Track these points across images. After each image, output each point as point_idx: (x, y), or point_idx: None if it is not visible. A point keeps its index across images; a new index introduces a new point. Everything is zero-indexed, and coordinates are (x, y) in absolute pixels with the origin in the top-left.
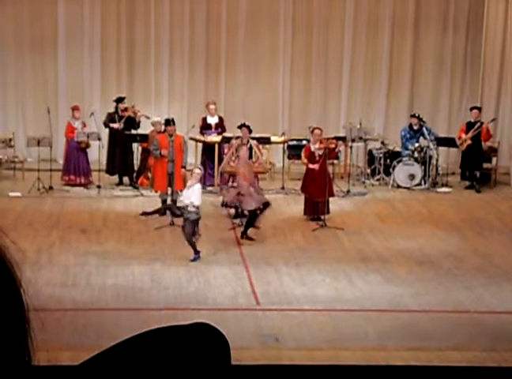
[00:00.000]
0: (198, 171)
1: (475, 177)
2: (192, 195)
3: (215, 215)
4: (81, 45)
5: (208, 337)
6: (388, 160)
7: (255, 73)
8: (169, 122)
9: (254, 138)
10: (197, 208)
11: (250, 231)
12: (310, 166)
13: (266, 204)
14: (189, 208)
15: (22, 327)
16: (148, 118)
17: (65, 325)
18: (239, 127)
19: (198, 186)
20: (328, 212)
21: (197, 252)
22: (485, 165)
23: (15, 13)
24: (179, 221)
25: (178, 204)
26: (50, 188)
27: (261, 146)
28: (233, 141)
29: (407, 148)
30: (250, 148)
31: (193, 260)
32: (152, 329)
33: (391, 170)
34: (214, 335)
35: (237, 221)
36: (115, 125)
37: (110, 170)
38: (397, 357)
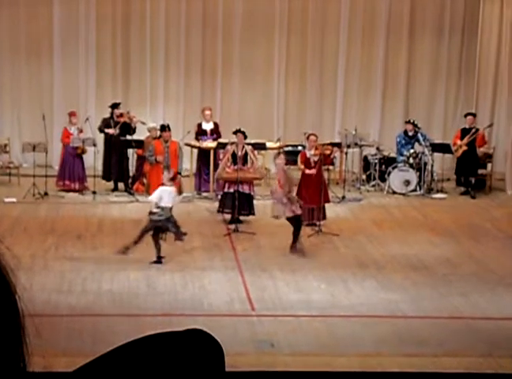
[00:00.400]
0: (165, 173)
1: (470, 183)
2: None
3: (210, 221)
4: (77, 50)
5: (201, 343)
6: (383, 166)
7: (251, 79)
8: (164, 128)
9: (249, 144)
10: (162, 209)
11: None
12: (307, 171)
13: (298, 220)
14: (152, 209)
15: (17, 334)
16: (144, 123)
17: (61, 331)
18: (234, 133)
19: (164, 189)
20: (324, 218)
21: (126, 251)
22: (480, 171)
23: (11, 18)
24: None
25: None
26: (46, 194)
27: (256, 152)
28: (228, 147)
29: (402, 154)
30: (245, 154)
31: (121, 252)
32: (145, 336)
33: (386, 176)
34: (208, 341)
35: (232, 227)
36: (110, 131)
37: (106, 176)
38: (393, 363)
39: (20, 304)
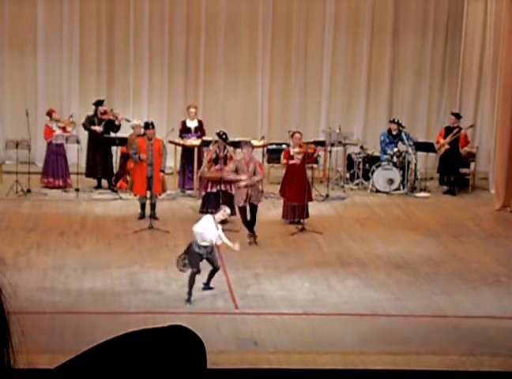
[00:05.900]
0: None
1: (453, 182)
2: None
3: (194, 218)
4: (60, 47)
5: (183, 340)
6: (367, 165)
7: (234, 77)
8: (148, 126)
9: (233, 142)
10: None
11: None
12: (291, 161)
13: None
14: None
15: (3, 334)
16: (128, 121)
17: (43, 328)
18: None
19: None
20: (307, 216)
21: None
22: (463, 170)
23: None
24: (158, 224)
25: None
26: (29, 191)
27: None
28: (210, 147)
29: (386, 153)
30: (227, 154)
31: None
32: (128, 332)
33: (370, 174)
34: (190, 337)
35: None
36: (97, 128)
37: (91, 173)
38: (376, 361)
39: (6, 306)
